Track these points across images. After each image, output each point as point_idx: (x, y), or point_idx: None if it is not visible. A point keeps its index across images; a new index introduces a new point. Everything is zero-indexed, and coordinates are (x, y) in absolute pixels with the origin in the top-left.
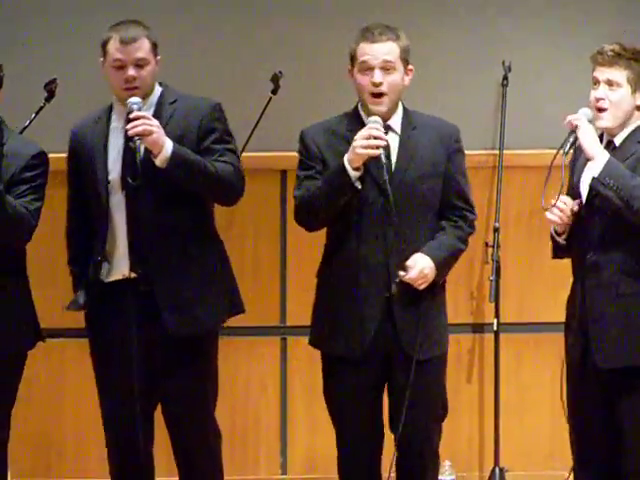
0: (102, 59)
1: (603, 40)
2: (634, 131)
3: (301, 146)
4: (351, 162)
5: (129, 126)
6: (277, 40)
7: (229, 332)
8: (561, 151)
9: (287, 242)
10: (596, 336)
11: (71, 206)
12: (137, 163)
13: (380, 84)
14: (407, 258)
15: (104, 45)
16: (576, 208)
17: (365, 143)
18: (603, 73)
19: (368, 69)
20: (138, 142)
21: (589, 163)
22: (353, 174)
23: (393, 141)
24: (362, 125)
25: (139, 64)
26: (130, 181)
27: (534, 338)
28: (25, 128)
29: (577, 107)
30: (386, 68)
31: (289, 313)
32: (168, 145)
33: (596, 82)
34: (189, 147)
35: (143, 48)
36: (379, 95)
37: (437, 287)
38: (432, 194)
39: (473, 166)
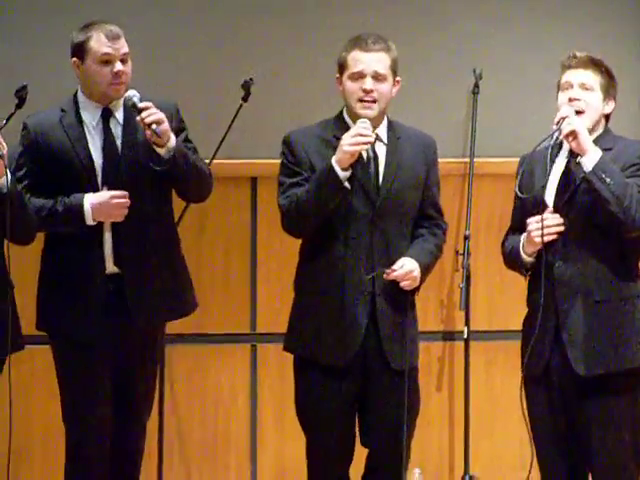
0: (76, 59)
1: (574, 47)
2: (599, 137)
3: (287, 151)
4: (339, 162)
5: (144, 115)
6: (248, 47)
7: (199, 340)
8: (547, 143)
9: (257, 249)
10: (574, 345)
11: (29, 189)
12: (166, 148)
13: (371, 91)
14: (392, 264)
15: (83, 43)
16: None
17: (353, 141)
18: (577, 76)
19: (360, 77)
20: (157, 128)
21: (581, 158)
22: (342, 174)
23: (381, 150)
24: (348, 131)
25: (124, 59)
26: (156, 167)
27: (504, 346)
28: None
29: (547, 115)
30: (377, 78)
31: (259, 320)
32: (172, 135)
33: (568, 86)
34: None
35: (125, 44)
36: (369, 101)
37: (414, 297)
38: (413, 204)
39: (444, 174)
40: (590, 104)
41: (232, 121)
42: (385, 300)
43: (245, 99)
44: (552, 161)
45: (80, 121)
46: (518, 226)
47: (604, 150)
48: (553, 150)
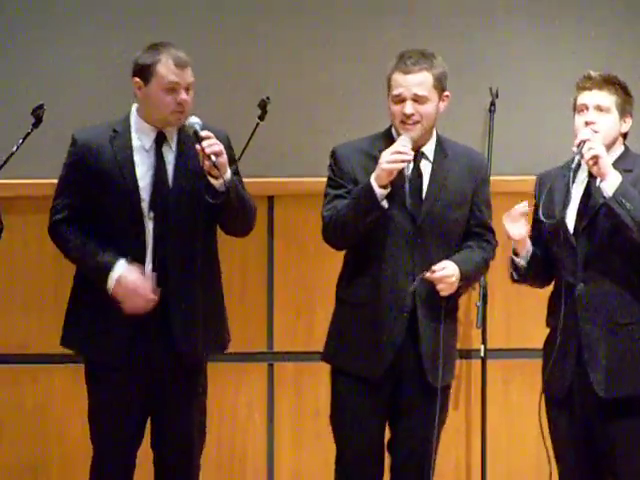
0: (139, 80)
1: (589, 66)
2: (619, 159)
3: (333, 163)
4: (378, 179)
5: (205, 144)
6: (265, 65)
7: (216, 358)
8: (567, 166)
9: (274, 268)
10: (594, 367)
11: (67, 214)
12: (224, 182)
13: (411, 115)
14: (433, 283)
15: (150, 66)
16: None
17: (391, 158)
18: (592, 98)
19: (400, 101)
20: (216, 160)
21: (602, 183)
22: (379, 192)
23: (426, 168)
24: None
25: (188, 88)
26: (211, 200)
27: (521, 364)
28: (12, 154)
29: (563, 133)
30: (418, 100)
31: (276, 339)
32: (228, 168)
33: (583, 108)
34: None
35: (191, 73)
36: (411, 123)
37: (454, 312)
38: (458, 223)
39: None
40: (606, 126)
41: (249, 140)
42: (425, 316)
43: (262, 118)
44: (573, 183)
45: (130, 144)
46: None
47: (624, 172)
48: (574, 174)
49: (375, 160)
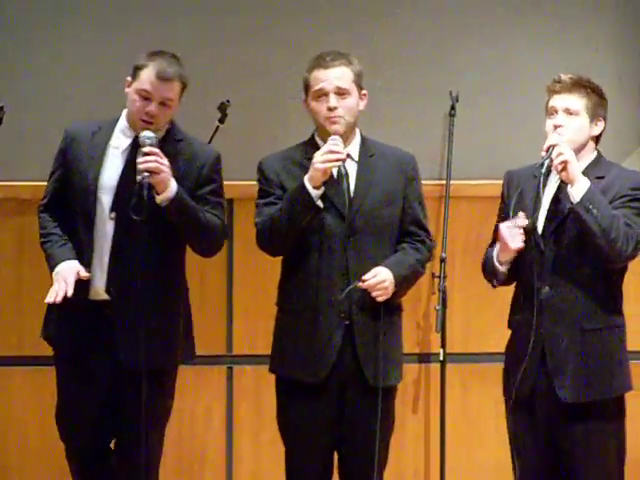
0: (129, 78)
1: (551, 70)
2: (591, 165)
3: (260, 175)
4: (311, 180)
5: (141, 160)
6: (225, 68)
7: None
8: (537, 171)
9: (234, 271)
10: (559, 371)
11: (50, 200)
12: (144, 200)
13: (335, 108)
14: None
15: (138, 69)
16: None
17: (324, 158)
18: (562, 101)
19: (323, 95)
20: (147, 177)
21: (569, 188)
22: (314, 192)
23: (351, 168)
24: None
25: (164, 103)
26: (134, 217)
27: (480, 368)
28: None
29: (524, 137)
30: (340, 93)
31: (235, 342)
32: (173, 186)
33: (553, 112)
34: (186, 190)
35: (174, 89)
36: (335, 117)
37: (395, 314)
38: (391, 220)
39: None
40: (573, 129)
41: (209, 143)
42: (362, 318)
43: (222, 121)
44: (544, 187)
45: (107, 143)
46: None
47: (596, 179)
48: (543, 179)
49: (302, 167)
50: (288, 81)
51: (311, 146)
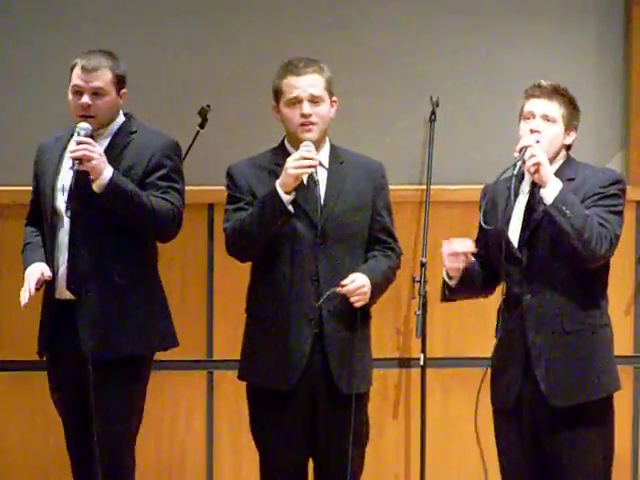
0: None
1: (532, 75)
2: (562, 167)
3: (229, 181)
4: (283, 186)
5: (71, 149)
6: (205, 73)
7: (155, 366)
8: (509, 173)
9: (214, 276)
10: (545, 375)
11: (30, 213)
12: (70, 187)
13: (310, 115)
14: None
15: (70, 70)
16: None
17: (297, 164)
18: (540, 106)
19: (296, 102)
20: (76, 166)
21: (542, 190)
22: (286, 198)
23: (322, 175)
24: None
25: (96, 92)
26: (65, 204)
27: (461, 373)
28: None
29: (504, 142)
30: (314, 100)
31: (216, 347)
32: (107, 172)
33: (530, 116)
34: (135, 179)
35: (103, 78)
36: (310, 123)
37: (366, 321)
38: (360, 227)
39: (400, 201)
40: (550, 136)
41: (189, 148)
42: (334, 325)
43: (202, 126)
44: (516, 194)
45: (64, 147)
46: (480, 255)
47: (567, 180)
48: (515, 180)
49: (271, 173)
50: (269, 85)
51: (281, 152)
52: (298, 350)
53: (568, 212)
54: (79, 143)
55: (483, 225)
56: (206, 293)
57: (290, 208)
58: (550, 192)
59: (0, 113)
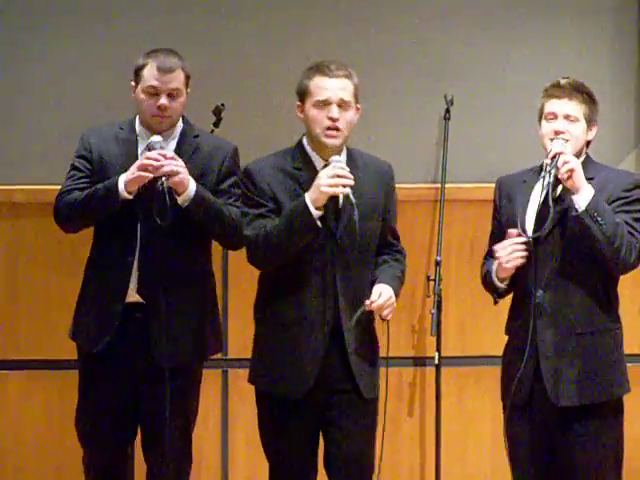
0: (133, 83)
1: (546, 74)
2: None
3: (248, 181)
4: (314, 201)
5: (156, 164)
6: (221, 72)
7: None
8: (545, 182)
9: (229, 274)
10: (555, 375)
11: (73, 188)
12: (167, 205)
13: (337, 120)
14: (355, 297)
15: (139, 70)
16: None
17: (332, 182)
18: (562, 107)
19: (325, 105)
20: (164, 181)
21: (574, 196)
22: (316, 213)
23: None
24: (310, 162)
25: (172, 94)
26: (158, 221)
27: (475, 371)
28: None
29: (518, 140)
30: (342, 105)
31: (230, 346)
32: (192, 185)
33: (552, 116)
34: (208, 186)
35: (178, 79)
36: (335, 129)
37: (373, 324)
38: (373, 234)
39: (415, 199)
40: (575, 135)
41: None
42: (354, 334)
43: (216, 125)
44: (547, 195)
45: (136, 138)
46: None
47: (587, 180)
48: (543, 182)
49: (293, 178)
50: (281, 88)
51: (301, 156)
52: (313, 358)
53: (600, 219)
54: (166, 158)
55: (521, 233)
56: (221, 292)
57: (319, 223)
58: (583, 199)
59: (15, 113)
